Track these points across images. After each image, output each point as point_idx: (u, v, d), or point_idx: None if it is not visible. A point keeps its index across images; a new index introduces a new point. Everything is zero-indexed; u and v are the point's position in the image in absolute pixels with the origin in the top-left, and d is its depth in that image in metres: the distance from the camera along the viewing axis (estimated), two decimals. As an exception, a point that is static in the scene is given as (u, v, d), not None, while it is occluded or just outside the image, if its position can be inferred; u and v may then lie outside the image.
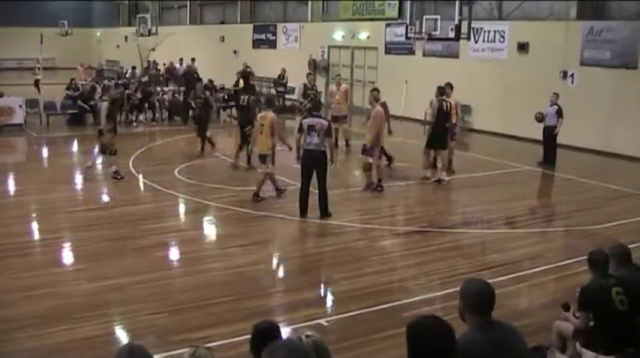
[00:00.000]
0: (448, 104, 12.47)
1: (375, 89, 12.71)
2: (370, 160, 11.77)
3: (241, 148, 13.63)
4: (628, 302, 4.78)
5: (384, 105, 12.19)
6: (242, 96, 14.67)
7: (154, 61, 28.62)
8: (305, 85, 18.64)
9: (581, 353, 4.98)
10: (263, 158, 10.96)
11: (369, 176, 11.92)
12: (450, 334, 3.02)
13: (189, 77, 22.21)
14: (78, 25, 39.84)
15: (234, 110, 19.33)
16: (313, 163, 9.89)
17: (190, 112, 18.28)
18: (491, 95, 17.86)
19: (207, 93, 16.82)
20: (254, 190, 10.94)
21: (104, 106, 12.77)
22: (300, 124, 10.08)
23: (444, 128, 12.50)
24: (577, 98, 15.95)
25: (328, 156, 9.95)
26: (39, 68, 27.66)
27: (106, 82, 19.92)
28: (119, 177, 12.37)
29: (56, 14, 39.41)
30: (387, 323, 6.29)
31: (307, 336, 2.84)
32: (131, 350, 2.96)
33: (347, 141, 16.43)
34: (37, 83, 25.39)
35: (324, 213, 10.06)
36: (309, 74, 19.34)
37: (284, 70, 24.76)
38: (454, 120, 12.86)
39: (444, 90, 12.54)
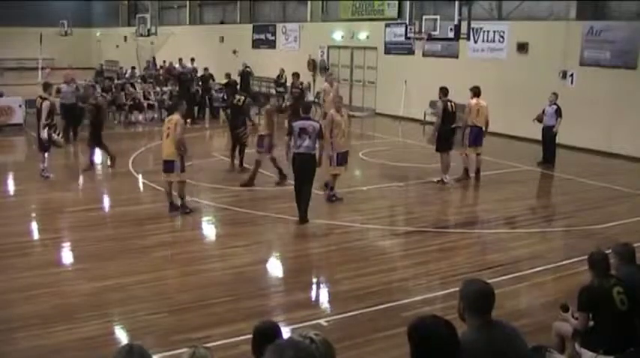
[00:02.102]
0: (453, 105, 12.43)
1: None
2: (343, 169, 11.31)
3: (234, 150, 13.55)
4: (628, 302, 4.79)
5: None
6: (237, 96, 14.15)
7: (154, 61, 28.61)
8: (292, 84, 18.72)
9: (580, 353, 4.99)
10: (169, 165, 10.08)
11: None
12: (452, 333, 3.04)
13: (183, 77, 22.19)
14: (78, 25, 39.84)
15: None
16: (303, 166, 9.69)
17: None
18: (491, 95, 17.76)
19: (100, 97, 14.72)
20: (180, 203, 10.28)
21: (45, 105, 12.16)
22: (291, 127, 9.81)
23: (450, 129, 12.44)
24: (577, 98, 15.94)
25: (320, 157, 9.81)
26: None
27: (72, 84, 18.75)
28: (46, 175, 12.24)
29: (56, 14, 39.38)
30: (387, 323, 6.30)
31: (316, 335, 2.85)
32: (130, 350, 2.96)
33: None
34: None
35: (303, 218, 9.74)
36: (294, 74, 19.51)
37: (282, 70, 24.79)
38: (478, 124, 12.75)
39: (447, 91, 12.46)
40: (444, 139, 12.40)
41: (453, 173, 12.72)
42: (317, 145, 9.82)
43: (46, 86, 13.08)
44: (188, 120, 19.59)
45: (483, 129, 12.89)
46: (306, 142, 9.60)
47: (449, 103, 12.39)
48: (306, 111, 10.16)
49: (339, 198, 11.13)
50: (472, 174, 12.84)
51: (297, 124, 9.76)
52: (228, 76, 21.99)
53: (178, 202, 10.30)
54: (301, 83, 19.21)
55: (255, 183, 12.22)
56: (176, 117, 10.20)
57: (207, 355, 3.10)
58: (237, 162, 13.56)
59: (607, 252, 5.30)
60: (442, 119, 12.36)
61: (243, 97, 13.89)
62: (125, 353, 2.93)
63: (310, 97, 21.05)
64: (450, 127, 12.47)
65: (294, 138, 9.69)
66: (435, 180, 12.50)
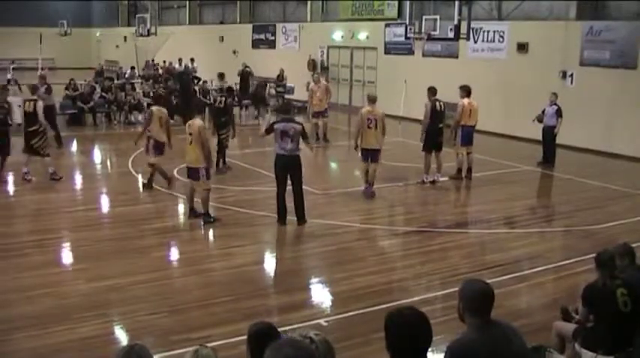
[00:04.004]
0: (441, 104, 12.45)
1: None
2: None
3: (219, 151, 13.39)
4: (631, 304, 4.78)
5: None
6: (218, 97, 14.00)
7: (151, 61, 28.60)
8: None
9: (580, 353, 4.99)
10: (195, 172, 9.79)
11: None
12: (422, 321, 3.10)
13: (185, 77, 22.17)
14: (77, 25, 39.83)
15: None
16: (287, 168, 9.53)
17: None
18: (491, 95, 17.87)
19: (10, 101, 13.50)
20: (202, 210, 9.85)
21: (39, 105, 12.05)
22: (273, 128, 9.49)
23: (438, 129, 12.44)
24: (576, 98, 15.96)
25: (304, 158, 9.71)
26: None
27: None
28: (57, 177, 12.15)
29: (56, 14, 39.41)
30: (386, 323, 6.28)
31: (316, 335, 2.85)
32: (130, 350, 2.96)
33: (325, 134, 17.05)
34: None
35: (301, 218, 9.72)
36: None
37: (282, 70, 24.82)
38: (471, 123, 12.83)
39: (435, 91, 12.43)
40: (431, 139, 12.38)
41: (445, 172, 12.80)
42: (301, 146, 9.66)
43: (34, 89, 12.93)
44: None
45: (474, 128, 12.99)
46: (289, 145, 9.39)
47: (437, 103, 12.40)
48: (285, 112, 9.84)
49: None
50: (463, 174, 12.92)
51: (279, 127, 9.45)
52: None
53: (200, 208, 9.99)
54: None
55: (254, 182, 12.26)
56: (197, 122, 9.77)
57: (210, 354, 3.08)
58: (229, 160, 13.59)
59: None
60: (431, 119, 12.32)
61: (224, 98, 13.76)
62: (124, 353, 2.93)
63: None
64: (439, 127, 12.44)
65: (276, 139, 9.47)
66: (425, 180, 12.47)
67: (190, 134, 9.70)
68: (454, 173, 12.91)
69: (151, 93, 21.66)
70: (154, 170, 11.82)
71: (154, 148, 11.84)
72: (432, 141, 12.41)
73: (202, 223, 9.79)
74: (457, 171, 12.94)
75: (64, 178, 12.36)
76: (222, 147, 13.47)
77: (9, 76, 26.66)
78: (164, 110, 12.21)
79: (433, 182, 12.45)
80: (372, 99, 11.72)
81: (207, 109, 18.42)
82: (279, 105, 10.87)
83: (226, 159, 13.63)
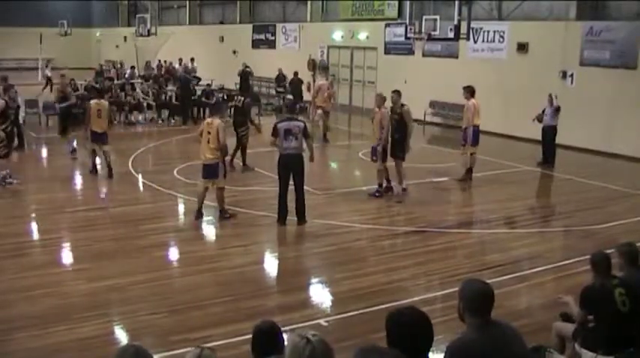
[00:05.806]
0: None
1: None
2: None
3: (236, 151, 13.48)
4: (630, 304, 4.78)
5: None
6: (237, 97, 14.42)
7: (157, 62, 28.56)
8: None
9: (580, 353, 4.99)
10: (212, 170, 9.79)
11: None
12: (422, 320, 3.12)
13: (184, 78, 22.13)
14: (77, 25, 39.84)
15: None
16: (291, 167, 9.56)
17: None
18: (491, 95, 17.86)
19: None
20: (220, 208, 10.01)
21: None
22: (276, 128, 9.50)
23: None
24: (576, 98, 15.97)
25: (307, 157, 9.69)
26: None
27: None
28: (4, 183, 11.78)
29: (56, 14, 39.41)
30: (386, 323, 6.28)
31: (314, 335, 2.85)
32: (126, 350, 2.96)
33: (325, 134, 17.14)
34: None
35: (302, 218, 9.74)
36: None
37: (280, 70, 24.86)
38: (477, 123, 12.74)
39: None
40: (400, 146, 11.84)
41: (444, 173, 12.77)
42: (305, 145, 9.66)
43: (5, 89, 12.68)
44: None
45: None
46: (293, 143, 9.43)
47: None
48: (290, 111, 9.94)
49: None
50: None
51: (282, 126, 9.49)
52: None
53: (204, 209, 10.02)
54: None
55: (254, 182, 12.28)
56: (217, 121, 9.84)
57: (211, 356, 3.08)
58: (235, 161, 13.57)
59: (610, 251, 5.31)
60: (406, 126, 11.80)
61: (242, 98, 14.10)
62: (121, 354, 2.93)
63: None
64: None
65: (279, 139, 9.48)
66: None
67: (209, 133, 9.71)
68: (463, 174, 12.82)
69: (150, 94, 21.68)
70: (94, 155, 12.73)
71: (93, 137, 12.63)
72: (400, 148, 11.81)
73: (212, 220, 9.92)
74: (467, 171, 12.81)
75: (55, 178, 12.23)
76: (241, 146, 13.49)
77: (47, 73, 26.86)
78: (104, 102, 12.96)
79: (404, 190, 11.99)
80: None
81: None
82: (287, 104, 10.91)
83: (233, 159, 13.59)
